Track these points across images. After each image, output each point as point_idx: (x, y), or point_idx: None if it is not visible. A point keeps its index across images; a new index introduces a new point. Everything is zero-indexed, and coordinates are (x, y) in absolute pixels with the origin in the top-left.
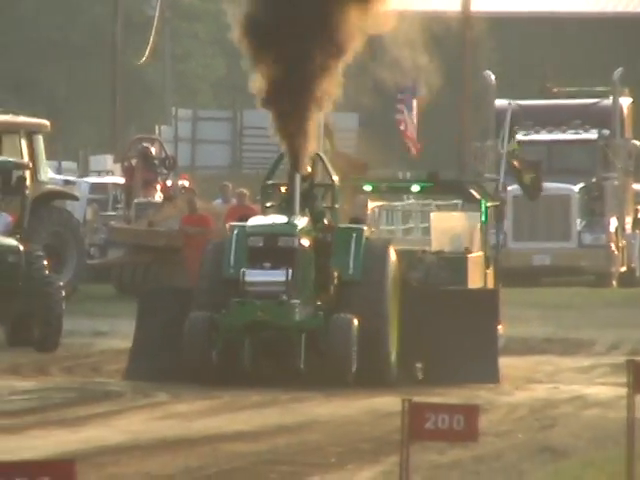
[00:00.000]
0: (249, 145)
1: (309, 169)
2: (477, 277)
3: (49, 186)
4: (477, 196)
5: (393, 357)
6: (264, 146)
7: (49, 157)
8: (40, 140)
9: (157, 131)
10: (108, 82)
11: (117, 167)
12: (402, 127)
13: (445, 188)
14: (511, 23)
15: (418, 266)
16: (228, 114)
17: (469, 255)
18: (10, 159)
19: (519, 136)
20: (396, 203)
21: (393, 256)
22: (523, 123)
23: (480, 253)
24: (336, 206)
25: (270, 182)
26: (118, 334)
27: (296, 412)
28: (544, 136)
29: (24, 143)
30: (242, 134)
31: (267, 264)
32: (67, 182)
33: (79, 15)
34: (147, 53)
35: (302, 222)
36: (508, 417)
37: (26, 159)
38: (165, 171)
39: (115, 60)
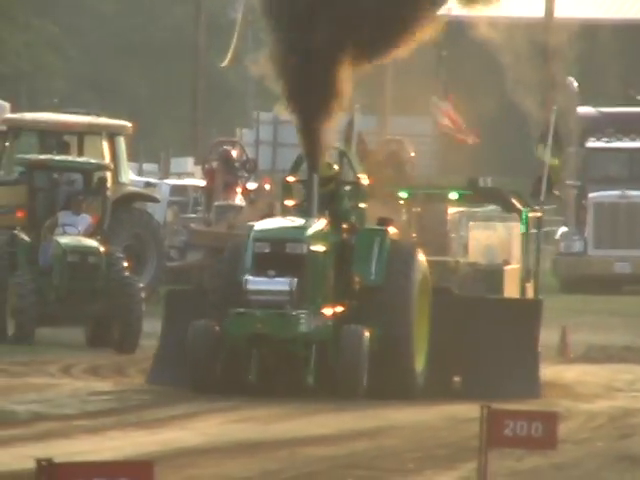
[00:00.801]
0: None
1: (336, 167)
2: (513, 290)
3: (130, 188)
4: (518, 205)
5: (419, 368)
6: None
7: (130, 159)
8: (122, 142)
9: (238, 134)
10: (190, 84)
11: (198, 169)
12: (446, 123)
13: (484, 196)
14: (594, 30)
15: (451, 277)
16: None
17: (506, 267)
18: (92, 160)
19: (596, 143)
20: (477, 209)
21: (421, 260)
22: (605, 130)
23: (518, 265)
24: (361, 206)
25: (292, 179)
26: None
27: (374, 417)
28: (626, 144)
29: (106, 145)
30: None
31: (272, 272)
32: (148, 184)
33: (161, 16)
34: (229, 57)
35: (317, 226)
36: (587, 425)
37: (108, 161)
38: (246, 174)
39: (197, 62)
